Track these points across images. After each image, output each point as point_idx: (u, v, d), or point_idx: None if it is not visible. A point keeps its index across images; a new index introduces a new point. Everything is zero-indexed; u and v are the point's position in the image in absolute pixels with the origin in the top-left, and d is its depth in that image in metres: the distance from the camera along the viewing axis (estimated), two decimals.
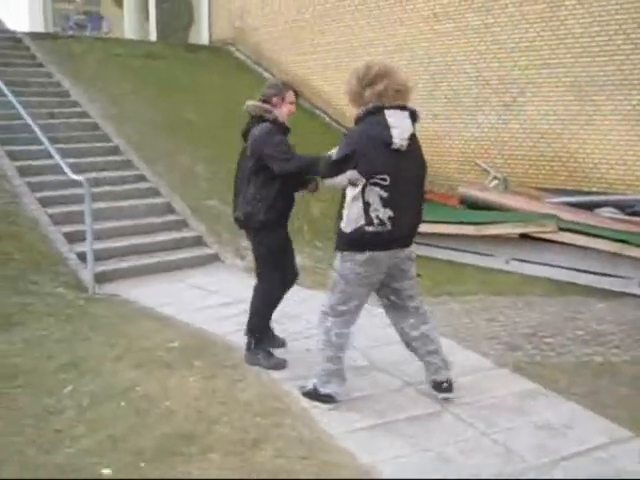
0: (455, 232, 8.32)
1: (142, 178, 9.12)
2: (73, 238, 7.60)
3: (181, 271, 7.69)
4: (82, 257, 7.26)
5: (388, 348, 5.31)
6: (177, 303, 6.53)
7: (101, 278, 7.04)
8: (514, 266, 8.10)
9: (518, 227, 7.89)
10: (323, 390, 4.36)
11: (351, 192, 4.05)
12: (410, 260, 4.35)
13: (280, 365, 4.93)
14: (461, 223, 8.34)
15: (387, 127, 4.01)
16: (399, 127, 4.03)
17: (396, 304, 4.46)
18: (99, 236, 7.52)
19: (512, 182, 10.34)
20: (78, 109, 10.53)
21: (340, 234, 4.14)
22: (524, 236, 8.01)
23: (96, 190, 8.00)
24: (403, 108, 4.12)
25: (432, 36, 11.47)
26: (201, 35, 16.14)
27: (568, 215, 8.19)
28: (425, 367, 4.53)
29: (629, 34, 9.20)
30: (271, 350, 5.05)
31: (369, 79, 4.08)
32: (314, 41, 13.48)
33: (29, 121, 8.11)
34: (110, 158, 9.43)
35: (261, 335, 5.03)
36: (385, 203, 4.01)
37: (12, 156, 8.70)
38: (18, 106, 8.34)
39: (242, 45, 15.09)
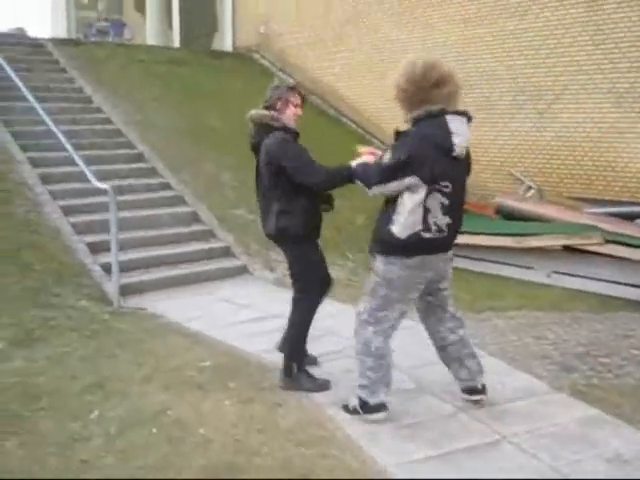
0: (493, 244, 7.94)
1: (167, 186, 8.83)
2: (96, 248, 7.32)
3: (209, 283, 7.38)
4: (106, 268, 6.97)
5: (434, 368, 4.95)
6: (206, 317, 6.21)
7: (126, 290, 6.74)
8: (555, 279, 7.71)
9: (561, 239, 7.51)
10: (373, 400, 4.09)
11: (412, 198, 3.79)
12: (450, 260, 4.21)
13: (325, 386, 4.61)
14: (500, 234, 7.95)
15: (449, 133, 3.77)
16: (460, 134, 3.80)
17: (434, 306, 4.30)
18: (123, 246, 7.21)
19: (547, 191, 10.00)
20: (101, 115, 10.28)
21: (390, 239, 3.87)
22: (566, 248, 7.63)
23: (120, 198, 7.68)
24: (463, 114, 3.87)
25: (464, 40, 11.14)
26: (225, 42, 15.89)
27: (609, 226, 7.81)
28: (457, 373, 4.40)
29: None
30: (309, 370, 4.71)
31: (434, 79, 3.78)
32: (339, 47, 13.19)
33: (52, 127, 7.85)
34: (134, 165, 9.15)
35: (300, 356, 4.70)
36: (445, 210, 3.84)
37: (34, 163, 8.44)
38: (41, 112, 8.08)
39: (266, 51, 14.82)
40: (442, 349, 4.38)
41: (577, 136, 9.92)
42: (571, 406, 4.45)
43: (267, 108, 4.49)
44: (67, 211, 7.75)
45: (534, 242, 7.66)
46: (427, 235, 3.82)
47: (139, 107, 10.72)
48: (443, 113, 3.77)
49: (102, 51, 12.76)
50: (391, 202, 3.92)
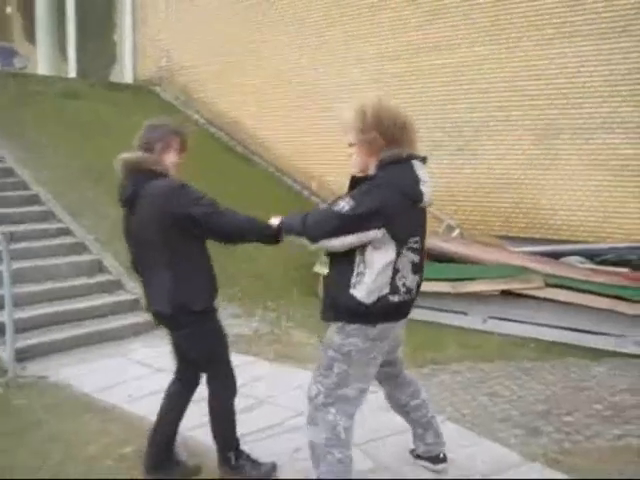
0: (429, 290, 7.46)
1: (67, 232, 7.93)
2: None
3: (118, 342, 6.55)
4: None
5: (391, 440, 4.38)
6: (120, 386, 5.38)
7: (23, 355, 5.83)
8: (492, 325, 7.33)
9: (499, 283, 7.14)
10: None
11: (381, 257, 3.14)
12: (404, 326, 3.59)
13: (272, 472, 3.91)
14: (434, 279, 7.49)
15: (417, 181, 3.23)
16: (426, 181, 3.29)
17: (391, 374, 3.81)
18: (17, 302, 6.28)
19: (467, 230, 9.72)
20: None
21: (351, 304, 3.18)
22: (503, 292, 7.26)
23: (13, 247, 6.68)
24: (424, 160, 3.35)
25: (378, 77, 10.81)
26: (124, 73, 15.05)
27: (545, 267, 7.49)
28: (423, 438, 3.95)
29: (591, 76, 8.74)
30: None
31: (401, 122, 3.24)
32: (243, 80, 12.61)
33: None
34: (28, 209, 8.20)
35: (236, 442, 3.90)
36: (415, 269, 3.28)
37: None
38: None
39: (169, 85, 14.09)
40: (405, 415, 3.93)
41: (497, 173, 9.73)
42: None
43: (146, 150, 3.59)
44: None
45: (472, 287, 7.26)
46: (395, 299, 3.21)
47: (33, 144, 9.76)
48: (411, 158, 3.24)
49: None
50: (344, 260, 3.22)
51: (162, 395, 4.54)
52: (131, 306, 7.13)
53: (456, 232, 9.33)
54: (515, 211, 9.59)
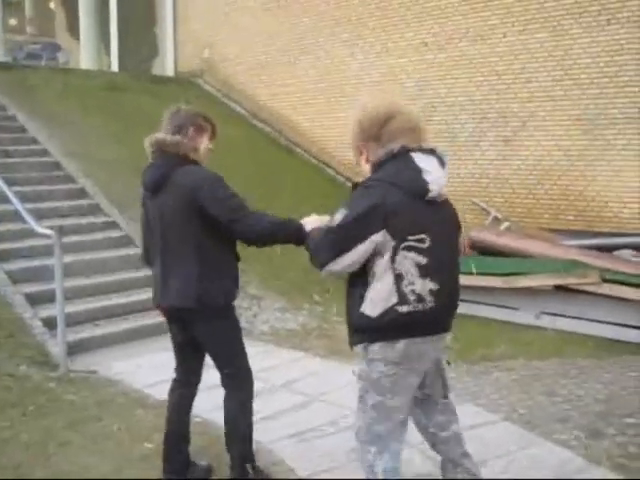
0: (480, 284, 7.32)
1: (114, 225, 7.92)
2: (37, 300, 6.40)
3: (166, 336, 6.49)
4: (48, 323, 6.07)
5: None
6: (163, 383, 5.33)
7: (73, 349, 5.84)
8: (545, 321, 7.15)
9: (554, 278, 6.95)
10: None
11: (375, 263, 2.85)
12: (446, 347, 3.24)
13: None
14: (484, 274, 7.35)
15: (419, 171, 2.88)
16: (432, 172, 2.89)
17: (423, 399, 3.21)
18: (67, 296, 6.28)
19: (514, 223, 9.53)
20: (37, 147, 9.30)
21: (361, 321, 2.90)
22: (556, 287, 7.08)
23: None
24: (431, 152, 2.97)
25: (423, 66, 10.63)
26: (166, 66, 15.06)
27: (599, 262, 7.31)
28: (454, 475, 3.24)
29: None
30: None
31: (378, 120, 2.97)
32: (289, 73, 12.52)
33: None
34: (75, 202, 8.22)
35: (252, 453, 3.64)
36: (424, 272, 2.84)
37: None
38: None
39: (211, 77, 14.06)
40: (433, 446, 3.31)
41: (545, 164, 9.50)
42: None
43: (175, 134, 3.42)
44: (0, 257, 6.78)
45: (525, 282, 7.08)
46: (404, 309, 2.81)
47: (78, 137, 9.79)
48: (407, 151, 2.92)
49: (36, 76, 11.76)
50: (354, 276, 2.94)
51: (214, 391, 4.51)
52: None
53: (505, 225, 9.16)
54: (564, 203, 9.36)
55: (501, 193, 9.93)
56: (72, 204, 8.16)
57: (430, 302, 2.84)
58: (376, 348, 2.89)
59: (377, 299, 2.83)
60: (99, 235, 7.77)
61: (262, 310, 7.21)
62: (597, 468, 4.00)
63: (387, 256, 2.81)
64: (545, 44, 9.32)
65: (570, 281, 6.87)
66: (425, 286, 2.83)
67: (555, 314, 7.11)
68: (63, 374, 5.45)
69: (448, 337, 3.13)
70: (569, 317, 7.02)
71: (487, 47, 9.90)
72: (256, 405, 4.45)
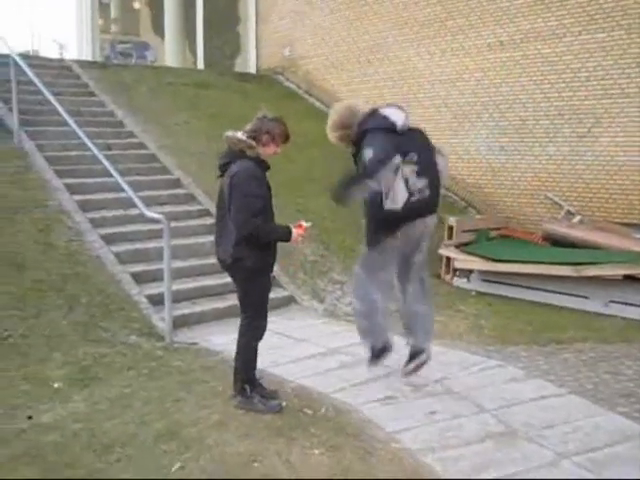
0: (551, 273, 7.67)
1: (207, 213, 8.53)
2: (141, 279, 7.06)
3: None
4: (153, 300, 6.72)
5: (521, 408, 4.70)
6: (264, 353, 5.84)
7: (175, 324, 6.44)
8: (614, 309, 7.45)
9: (624, 268, 7.25)
10: None
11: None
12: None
13: (278, 408, 4.61)
14: (557, 263, 7.69)
15: (386, 117, 4.85)
16: (393, 114, 4.86)
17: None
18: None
19: (587, 217, 9.76)
20: (134, 140, 10.03)
21: (388, 215, 4.67)
22: (625, 277, 7.37)
23: (158, 226, 7.29)
24: (387, 105, 5.03)
25: (498, 64, 10.93)
26: (248, 63, 15.71)
27: None
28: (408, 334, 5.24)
29: None
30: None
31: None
32: (366, 70, 12.98)
33: (97, 154, 7.56)
34: (172, 192, 8.89)
35: (252, 378, 4.72)
36: (418, 174, 4.70)
37: (71, 189, 8.18)
38: (85, 138, 7.74)
39: (291, 74, 14.63)
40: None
41: (618, 160, 9.68)
42: None
43: (252, 137, 4.40)
44: (108, 240, 7.48)
45: (594, 271, 7.40)
46: (414, 198, 4.69)
47: (170, 131, 10.49)
48: (375, 109, 4.91)
49: (129, 74, 12.55)
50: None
51: (302, 363, 5.16)
52: None
53: (577, 218, 9.42)
54: (637, 197, 9.54)
55: (574, 188, 10.14)
56: (169, 193, 8.82)
57: (427, 191, 4.71)
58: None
59: (398, 198, 4.58)
60: (194, 222, 8.41)
61: (345, 294, 7.72)
62: None
63: (396, 169, 4.57)
64: (619, 42, 9.51)
65: (638, 271, 7.15)
66: (421, 183, 4.67)
67: (624, 303, 7.40)
68: (168, 344, 6.08)
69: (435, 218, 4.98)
70: (637, 306, 7.29)
71: (562, 45, 10.13)
72: (346, 374, 5.05)
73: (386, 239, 4.85)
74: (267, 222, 4.38)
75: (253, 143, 4.37)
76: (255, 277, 4.48)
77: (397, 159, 4.57)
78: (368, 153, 4.61)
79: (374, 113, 4.85)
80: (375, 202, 4.67)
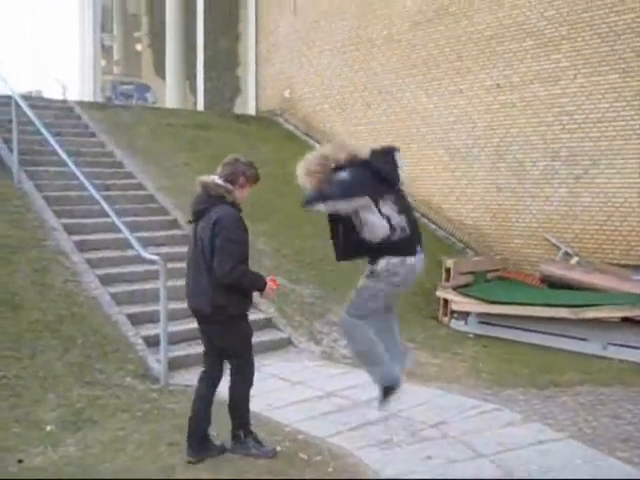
0: (548, 315, 7.66)
1: None
2: (137, 320, 7.03)
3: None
4: (149, 342, 6.68)
5: (518, 453, 4.64)
6: (260, 396, 5.81)
7: (171, 366, 6.40)
8: (612, 351, 7.42)
9: (623, 310, 7.25)
10: None
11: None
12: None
13: (272, 452, 4.56)
14: (554, 305, 7.68)
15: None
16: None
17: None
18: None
19: (584, 258, 9.77)
20: (133, 181, 10.07)
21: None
22: (624, 319, 7.35)
23: (155, 267, 7.20)
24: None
25: (495, 106, 11.04)
26: (247, 105, 15.86)
27: None
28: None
29: None
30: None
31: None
32: (365, 113, 13.11)
33: (95, 194, 7.60)
34: (169, 232, 8.90)
35: (246, 422, 4.67)
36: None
37: (69, 230, 8.18)
38: (84, 179, 7.79)
39: (290, 115, 14.76)
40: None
41: (615, 201, 9.74)
42: None
43: (228, 180, 4.42)
44: (105, 281, 7.47)
45: (592, 313, 7.39)
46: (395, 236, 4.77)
47: (169, 172, 10.54)
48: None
49: (129, 114, 12.65)
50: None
51: (298, 407, 5.10)
52: (264, 324, 7.65)
53: (575, 259, 9.43)
54: (635, 239, 9.56)
55: (572, 229, 10.17)
56: (166, 234, 8.83)
57: (408, 230, 4.71)
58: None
59: (377, 233, 4.63)
60: None
61: (342, 336, 7.67)
62: None
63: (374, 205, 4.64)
64: (614, 85, 9.63)
65: (637, 313, 7.14)
66: (403, 220, 4.69)
67: (622, 345, 7.37)
68: (163, 386, 6.04)
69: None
70: (635, 348, 7.27)
71: (558, 88, 10.25)
72: (342, 417, 5.02)
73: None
74: (248, 269, 4.39)
75: (231, 187, 4.40)
76: (236, 323, 4.45)
77: (364, 201, 4.61)
78: (343, 176, 4.68)
79: (385, 153, 4.90)
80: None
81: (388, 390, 4.92)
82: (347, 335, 5.10)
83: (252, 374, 4.63)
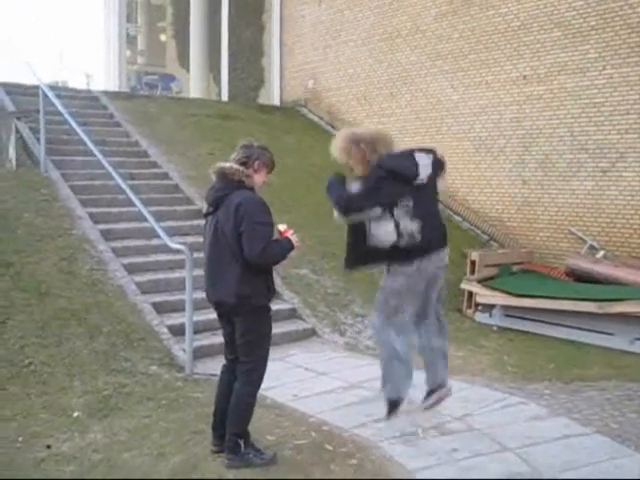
0: (574, 309, 7.59)
1: None
2: (162, 309, 7.06)
3: (278, 347, 7.00)
4: (173, 330, 6.71)
5: (544, 447, 4.61)
6: (284, 387, 5.87)
7: (195, 354, 6.42)
8: (639, 347, 7.33)
9: None
10: None
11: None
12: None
13: (273, 461, 4.30)
14: (579, 299, 7.60)
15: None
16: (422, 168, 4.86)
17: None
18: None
19: (610, 252, 9.67)
20: (158, 170, 10.12)
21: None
22: None
23: (181, 257, 7.25)
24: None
25: (521, 98, 10.93)
26: (271, 96, 15.86)
27: None
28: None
29: None
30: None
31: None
32: (390, 103, 13.04)
33: (121, 183, 7.64)
34: (194, 222, 8.90)
35: (247, 432, 4.37)
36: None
37: (94, 219, 8.24)
38: (110, 168, 7.85)
39: (314, 106, 14.73)
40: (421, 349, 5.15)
41: None
42: None
43: (242, 164, 4.25)
44: (131, 269, 7.51)
45: (621, 307, 7.30)
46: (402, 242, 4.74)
47: (194, 162, 10.56)
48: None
49: (154, 105, 12.71)
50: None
51: (324, 397, 5.06)
52: (288, 315, 7.66)
53: (600, 253, 9.33)
54: None
55: (598, 222, 10.07)
56: (191, 224, 8.84)
57: (418, 237, 4.61)
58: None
59: (382, 239, 4.64)
60: None
61: (366, 327, 7.67)
62: None
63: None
64: None
65: None
66: (414, 226, 4.60)
67: None
68: (188, 375, 6.06)
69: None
70: None
71: (586, 80, 10.13)
72: (367, 409, 5.00)
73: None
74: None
75: (249, 172, 4.25)
76: (259, 316, 4.28)
77: (375, 212, 4.60)
78: (355, 188, 4.68)
79: (406, 156, 4.81)
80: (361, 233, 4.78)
81: (393, 405, 4.90)
82: (376, 338, 5.25)
83: (261, 380, 4.37)
